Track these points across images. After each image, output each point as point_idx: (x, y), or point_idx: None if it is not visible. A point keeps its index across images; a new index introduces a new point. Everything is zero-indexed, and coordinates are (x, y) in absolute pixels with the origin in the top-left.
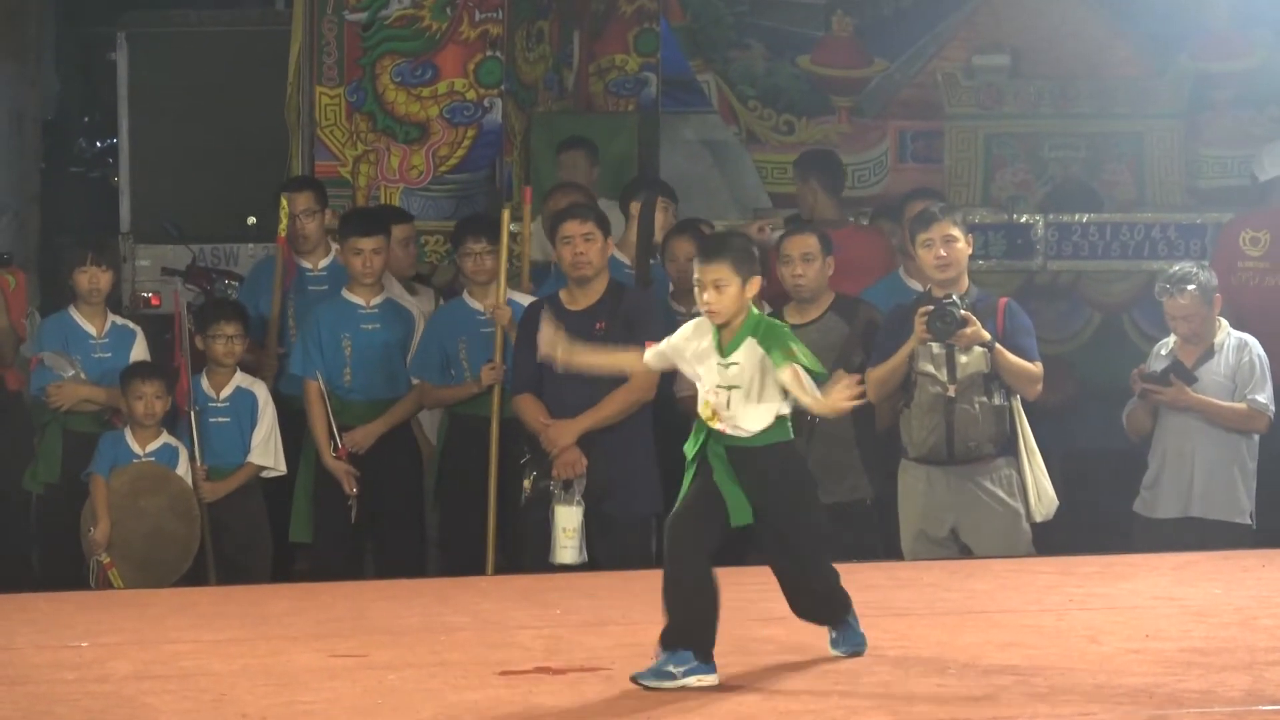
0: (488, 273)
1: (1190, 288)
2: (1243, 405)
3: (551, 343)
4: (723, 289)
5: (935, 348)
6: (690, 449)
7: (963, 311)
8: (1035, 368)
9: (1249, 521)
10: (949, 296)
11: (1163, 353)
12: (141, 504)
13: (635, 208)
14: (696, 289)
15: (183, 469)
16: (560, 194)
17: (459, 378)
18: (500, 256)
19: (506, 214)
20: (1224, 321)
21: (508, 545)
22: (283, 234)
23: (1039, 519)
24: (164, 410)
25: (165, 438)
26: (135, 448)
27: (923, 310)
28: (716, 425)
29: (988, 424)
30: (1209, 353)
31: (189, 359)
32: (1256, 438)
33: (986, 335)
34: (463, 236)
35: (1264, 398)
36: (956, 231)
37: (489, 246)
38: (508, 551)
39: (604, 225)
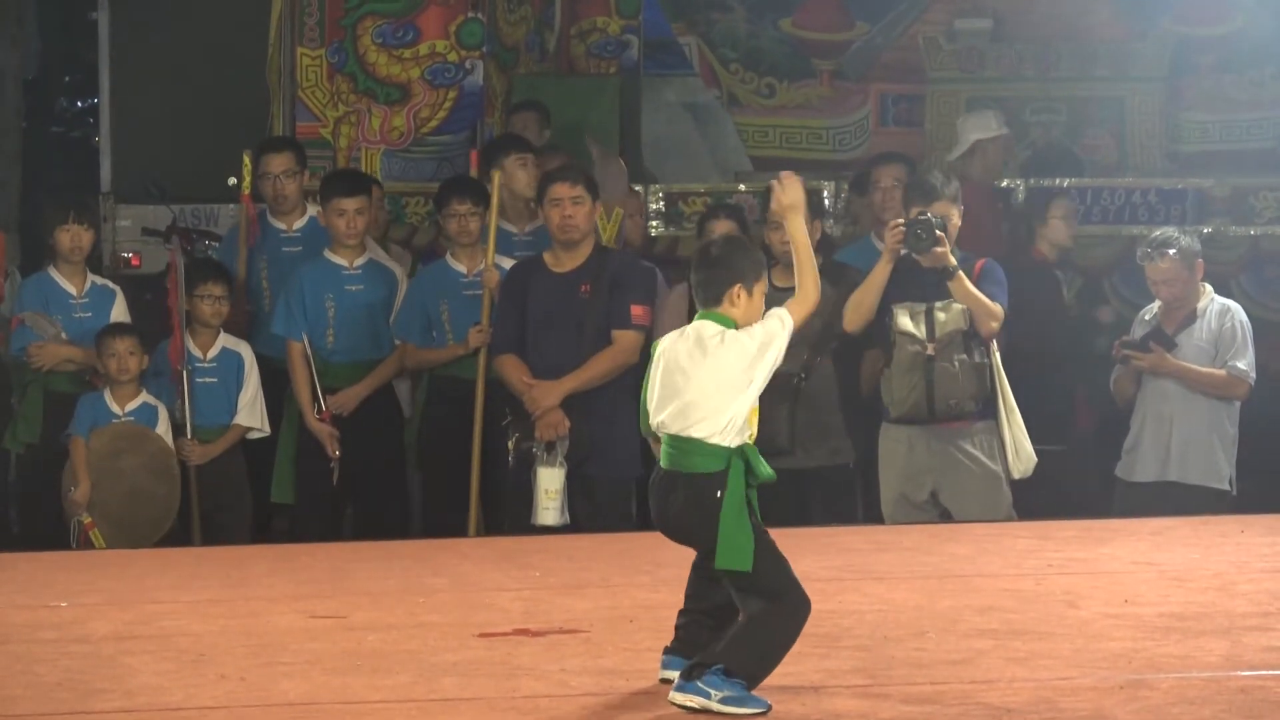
0: (471, 234)
1: (1171, 252)
2: (1222, 371)
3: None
4: None
5: (913, 307)
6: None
7: (939, 232)
8: (995, 305)
9: (1228, 487)
10: (924, 213)
11: (1146, 318)
12: (121, 464)
13: (498, 176)
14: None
15: (162, 428)
16: (548, 156)
17: (441, 340)
18: (489, 219)
19: (497, 177)
20: (1208, 287)
21: (489, 507)
22: (246, 191)
23: (1017, 476)
24: (139, 367)
25: (144, 397)
26: (114, 407)
27: (896, 223)
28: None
29: (968, 381)
30: (1191, 318)
31: (182, 317)
32: (1237, 404)
33: (954, 261)
34: (447, 197)
35: (1244, 364)
36: (954, 210)
37: (473, 208)
38: (489, 513)
39: (592, 188)
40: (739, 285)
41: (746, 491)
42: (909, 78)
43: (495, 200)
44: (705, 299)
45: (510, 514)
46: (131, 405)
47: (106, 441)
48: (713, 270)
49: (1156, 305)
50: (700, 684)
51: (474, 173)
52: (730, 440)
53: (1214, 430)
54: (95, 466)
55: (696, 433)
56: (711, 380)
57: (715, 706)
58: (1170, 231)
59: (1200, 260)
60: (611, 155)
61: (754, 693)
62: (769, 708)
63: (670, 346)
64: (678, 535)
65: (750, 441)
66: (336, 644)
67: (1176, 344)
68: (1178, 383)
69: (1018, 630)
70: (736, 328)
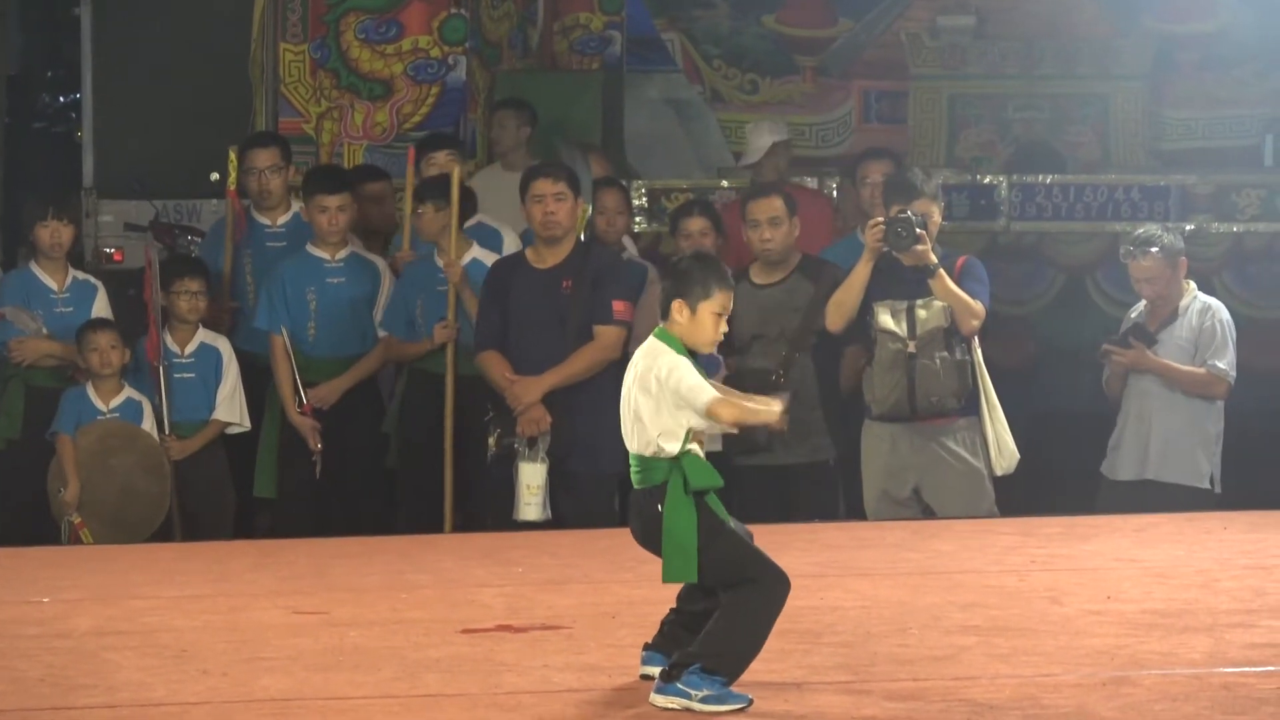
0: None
1: (1154, 249)
2: (1202, 370)
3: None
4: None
5: (894, 304)
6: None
7: (919, 230)
8: (975, 303)
9: (1209, 486)
10: (903, 212)
11: (1133, 315)
12: (111, 462)
13: (457, 171)
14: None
15: (147, 424)
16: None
17: (427, 332)
18: (451, 214)
19: (457, 172)
20: (1191, 284)
21: (471, 503)
22: (232, 187)
23: (1000, 472)
24: (120, 362)
25: (128, 392)
26: (98, 404)
27: (876, 221)
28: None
29: (949, 378)
30: (1173, 316)
31: (159, 313)
32: (1219, 403)
33: (934, 258)
34: (423, 197)
35: (1224, 363)
36: (934, 208)
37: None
38: (469, 509)
39: (575, 185)
40: (680, 300)
41: (702, 498)
42: (892, 74)
43: (455, 195)
44: (661, 311)
45: (493, 510)
46: (116, 401)
47: (95, 440)
48: (668, 282)
49: (1143, 303)
50: (680, 685)
51: (410, 169)
52: (669, 452)
53: (1194, 429)
54: (85, 465)
55: (639, 449)
56: (643, 401)
57: (696, 706)
58: (1153, 229)
59: (1184, 258)
60: (577, 152)
61: (735, 688)
62: (750, 702)
63: (630, 365)
64: (646, 548)
65: (697, 449)
66: (319, 640)
67: (1157, 341)
68: (1158, 381)
69: (1000, 627)
70: (678, 346)
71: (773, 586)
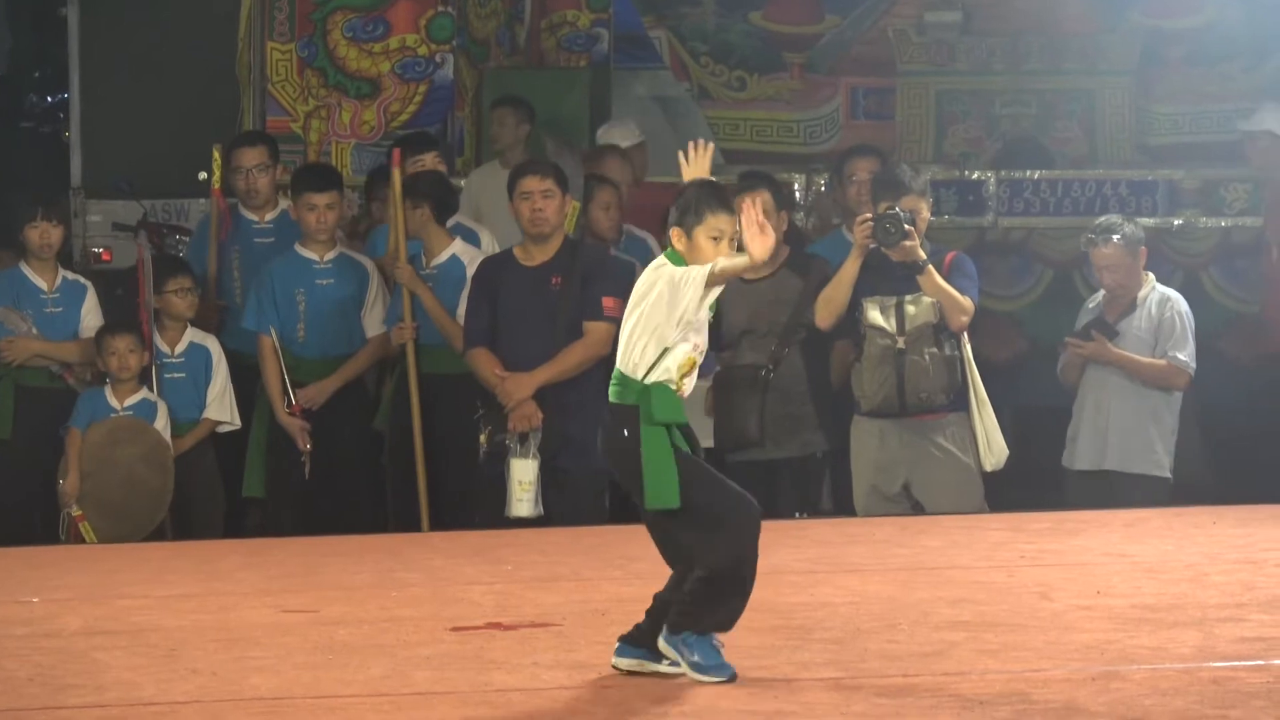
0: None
1: (1115, 238)
2: (1162, 361)
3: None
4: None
5: (883, 300)
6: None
7: (907, 226)
8: (964, 299)
9: (1167, 475)
10: (892, 208)
11: (1090, 306)
12: (117, 454)
13: (397, 174)
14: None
15: (161, 423)
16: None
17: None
18: (397, 217)
19: (397, 174)
20: (1150, 276)
21: (461, 500)
22: (217, 186)
23: (989, 468)
24: (139, 364)
25: (144, 393)
26: (114, 403)
27: (864, 217)
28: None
29: (938, 374)
30: (1132, 306)
31: (150, 312)
32: (1178, 394)
33: (923, 254)
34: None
35: (1184, 355)
36: (923, 204)
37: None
38: (459, 507)
39: (563, 182)
40: (676, 228)
41: (669, 432)
42: (879, 71)
43: (398, 195)
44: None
45: (485, 507)
46: (131, 400)
47: (104, 434)
48: (672, 213)
49: (1101, 294)
50: (681, 641)
51: (395, 169)
52: (644, 375)
53: (1150, 418)
54: (92, 457)
55: (621, 363)
56: (644, 313)
57: (687, 671)
58: (1115, 218)
59: (1144, 248)
60: (566, 149)
61: (723, 657)
62: (733, 677)
63: (639, 281)
64: (614, 469)
65: (673, 388)
66: (308, 638)
67: (1119, 332)
68: (1116, 371)
69: (990, 622)
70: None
71: (742, 529)
